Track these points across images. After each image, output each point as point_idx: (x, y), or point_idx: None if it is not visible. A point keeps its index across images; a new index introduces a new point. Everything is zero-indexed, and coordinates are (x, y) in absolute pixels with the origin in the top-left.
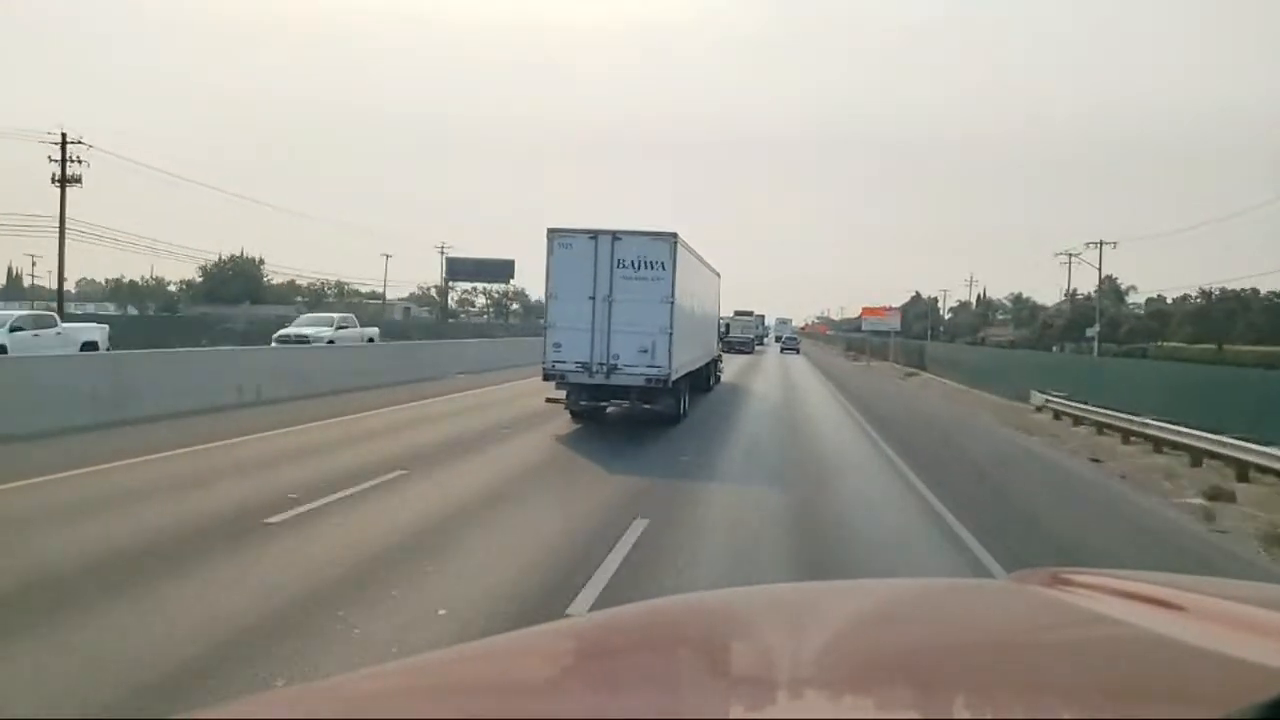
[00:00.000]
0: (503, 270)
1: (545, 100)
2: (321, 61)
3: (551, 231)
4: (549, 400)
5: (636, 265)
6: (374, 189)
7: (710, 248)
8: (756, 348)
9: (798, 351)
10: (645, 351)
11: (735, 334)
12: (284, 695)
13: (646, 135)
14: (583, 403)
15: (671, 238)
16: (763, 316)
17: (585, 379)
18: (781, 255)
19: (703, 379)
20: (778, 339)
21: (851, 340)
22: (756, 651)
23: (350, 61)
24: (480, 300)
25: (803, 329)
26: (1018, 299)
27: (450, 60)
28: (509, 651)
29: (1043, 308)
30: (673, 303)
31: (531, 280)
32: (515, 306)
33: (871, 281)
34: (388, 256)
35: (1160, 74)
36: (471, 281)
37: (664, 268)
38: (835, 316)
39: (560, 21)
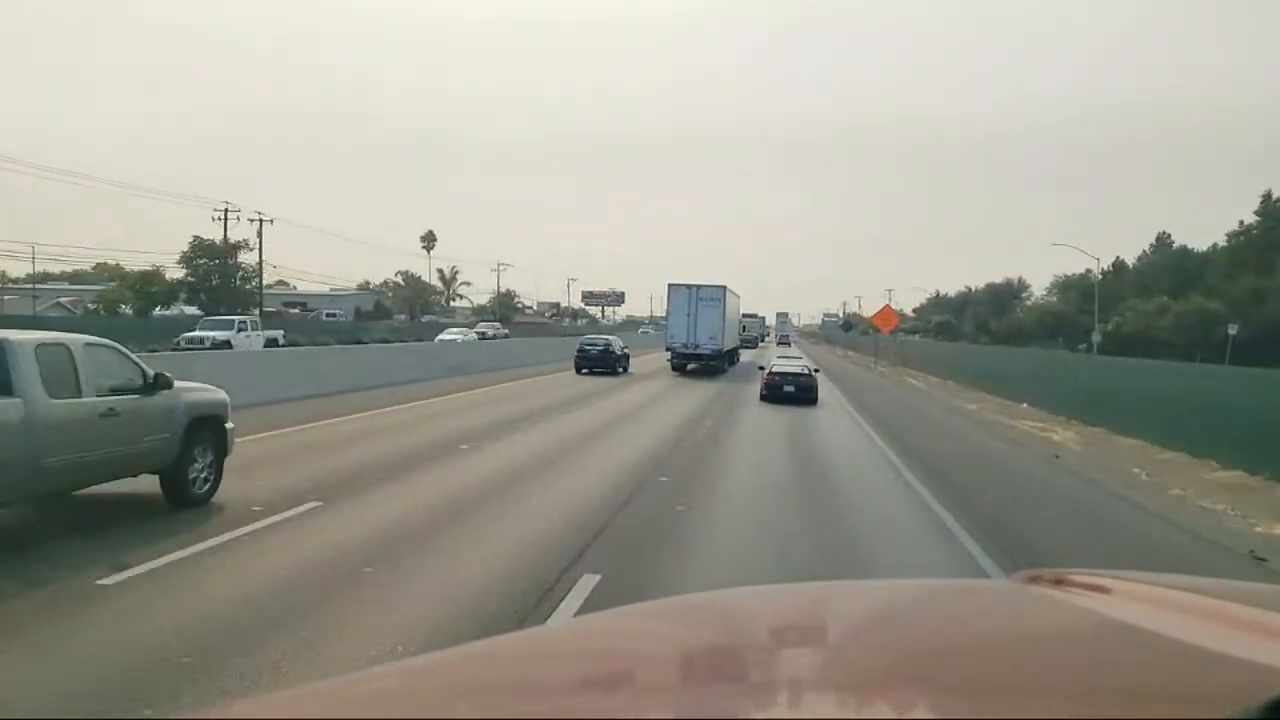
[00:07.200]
0: None
1: (541, 99)
2: None
3: (670, 285)
4: (668, 360)
5: (706, 299)
6: None
7: (710, 247)
8: (760, 344)
9: (789, 345)
10: (712, 338)
11: (744, 333)
12: (284, 696)
13: (664, 136)
14: (681, 363)
15: (723, 288)
16: (764, 318)
17: (684, 350)
18: (786, 252)
19: (735, 356)
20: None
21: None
22: (759, 652)
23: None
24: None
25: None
26: None
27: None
28: (511, 652)
29: None
30: (724, 317)
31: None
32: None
33: (877, 280)
34: None
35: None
36: None
37: (719, 301)
38: (840, 313)
39: (550, 18)
